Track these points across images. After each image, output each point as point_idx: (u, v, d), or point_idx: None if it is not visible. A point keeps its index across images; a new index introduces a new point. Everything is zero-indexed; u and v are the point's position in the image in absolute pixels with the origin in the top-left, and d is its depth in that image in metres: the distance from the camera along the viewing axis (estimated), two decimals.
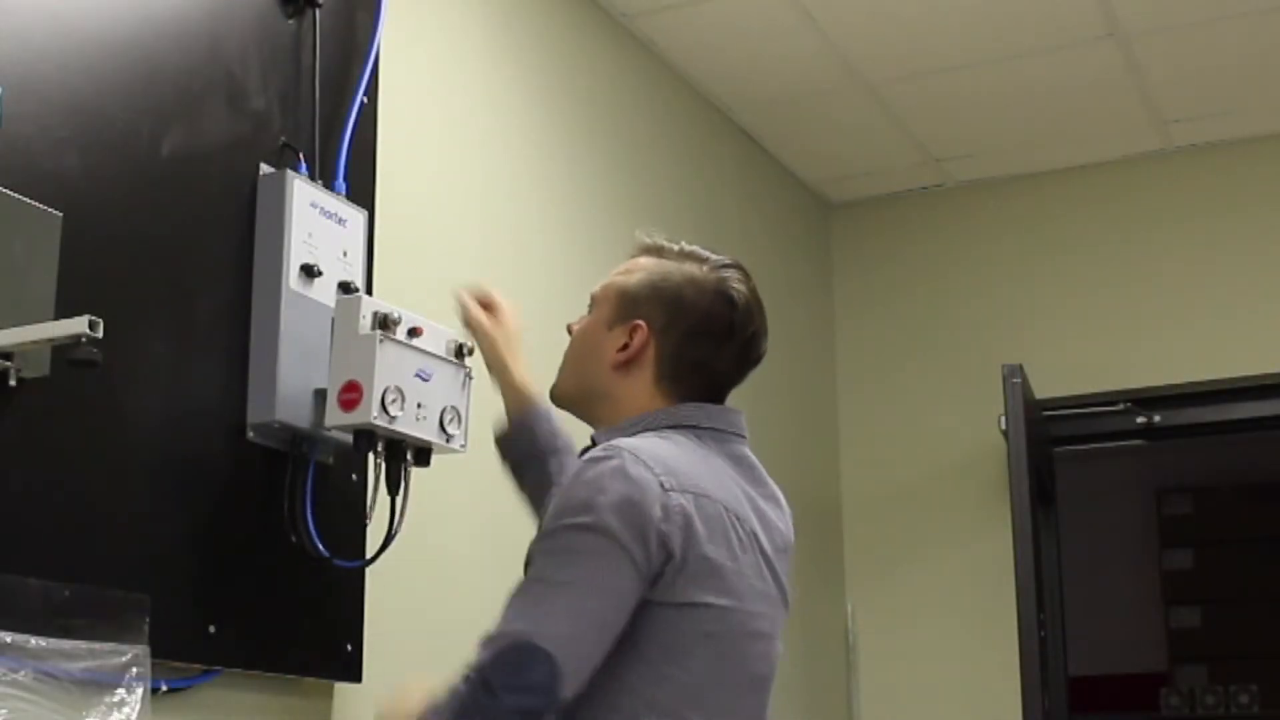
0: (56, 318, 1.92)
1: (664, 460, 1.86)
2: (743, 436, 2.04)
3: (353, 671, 2.47)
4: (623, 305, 2.02)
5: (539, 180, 3.35)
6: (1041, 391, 4.27)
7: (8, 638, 1.82)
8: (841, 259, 4.79)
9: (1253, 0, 3.69)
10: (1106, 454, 5.11)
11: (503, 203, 3.20)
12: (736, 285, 2.01)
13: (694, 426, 1.97)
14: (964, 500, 4.46)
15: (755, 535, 1.93)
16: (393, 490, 2.32)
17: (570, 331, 2.12)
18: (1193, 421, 4.36)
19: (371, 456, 2.30)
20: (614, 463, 1.83)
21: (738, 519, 1.91)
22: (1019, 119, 4.28)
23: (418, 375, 2.28)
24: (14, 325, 1.88)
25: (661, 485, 1.82)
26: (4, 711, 1.78)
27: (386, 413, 2.22)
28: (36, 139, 2.01)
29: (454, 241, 3.01)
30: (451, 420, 2.33)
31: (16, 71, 1.98)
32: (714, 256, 2.05)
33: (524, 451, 2.31)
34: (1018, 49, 3.89)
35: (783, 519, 2.03)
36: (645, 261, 2.07)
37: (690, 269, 2.02)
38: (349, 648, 2.46)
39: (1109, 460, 5.65)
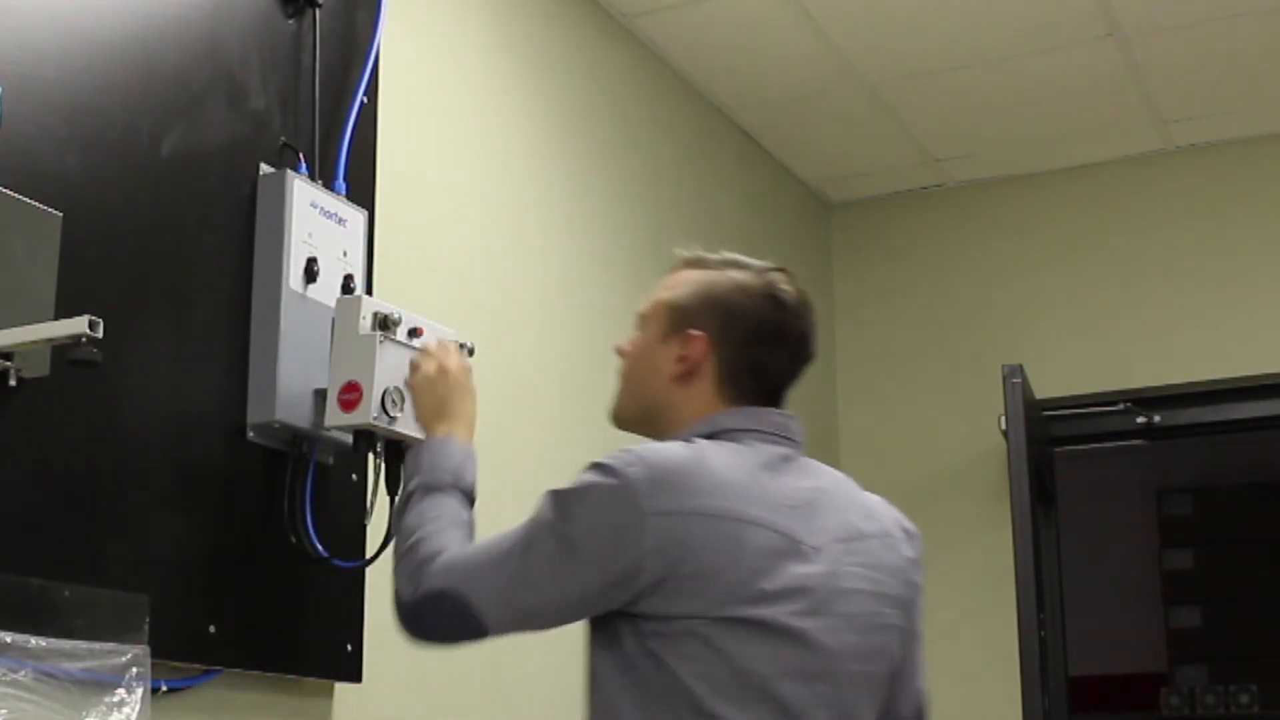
0: (56, 318, 1.92)
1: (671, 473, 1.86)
2: (791, 440, 2.01)
3: (353, 671, 2.47)
4: (675, 318, 2.02)
5: (539, 180, 3.35)
6: (1041, 391, 4.27)
7: (8, 638, 1.82)
8: (841, 259, 4.79)
9: (1252, 0, 3.69)
10: (1106, 454, 5.11)
11: (503, 202, 3.20)
12: (784, 287, 2.02)
13: (731, 431, 1.97)
14: (964, 500, 4.46)
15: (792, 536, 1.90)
16: (392, 490, 2.32)
17: (621, 353, 2.11)
18: (1193, 421, 4.36)
19: (371, 457, 2.30)
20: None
21: (758, 524, 1.88)
22: (1019, 119, 4.28)
23: None
24: (14, 325, 1.88)
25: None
26: (4, 711, 1.78)
27: (386, 413, 2.21)
28: (36, 139, 2.01)
29: (454, 241, 3.01)
30: None
31: (16, 71, 1.98)
32: (756, 263, 2.06)
33: None
34: (1018, 49, 3.89)
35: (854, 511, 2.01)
36: (689, 274, 2.06)
37: (736, 275, 2.03)
38: (349, 648, 2.46)
39: (1109, 460, 5.64)
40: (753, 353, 2.00)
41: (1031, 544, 3.86)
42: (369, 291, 2.49)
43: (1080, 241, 4.53)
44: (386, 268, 2.64)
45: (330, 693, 2.48)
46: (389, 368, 2.23)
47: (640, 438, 2.05)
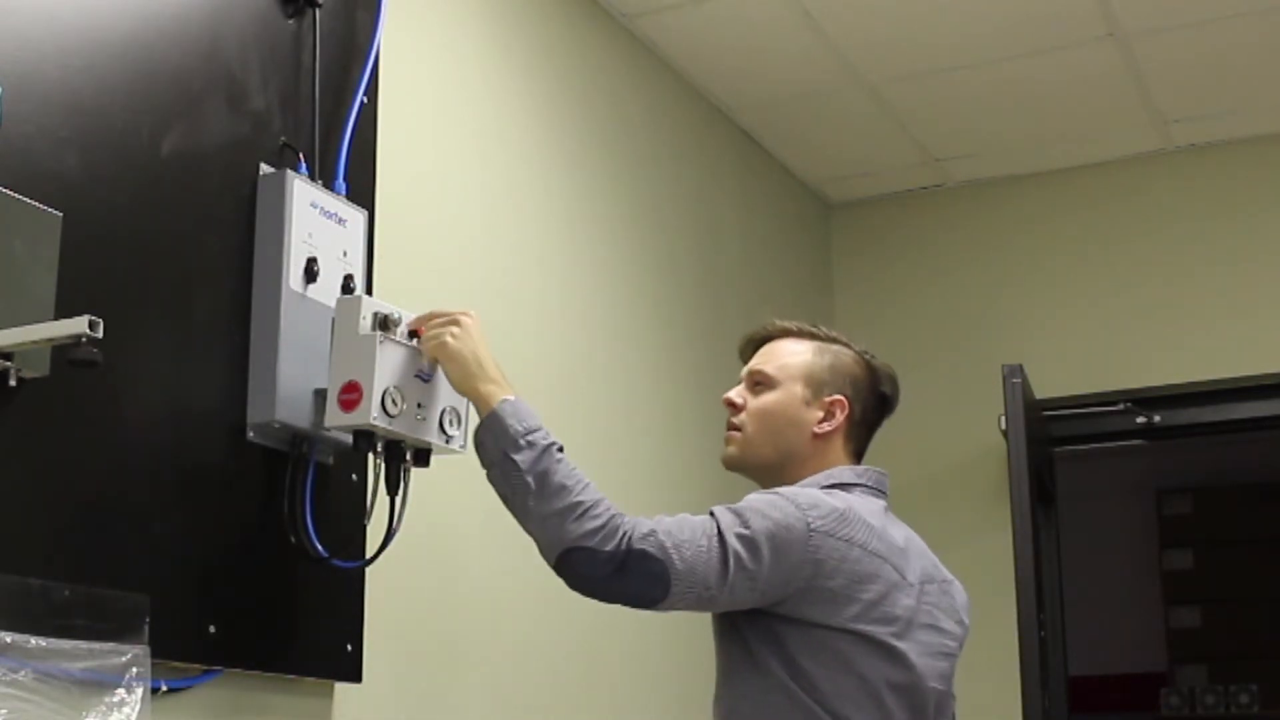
0: (56, 318, 1.92)
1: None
2: (886, 494, 2.38)
3: (353, 671, 2.47)
4: (814, 384, 2.37)
5: (538, 180, 3.35)
6: (1041, 391, 4.27)
7: (8, 638, 1.82)
8: (841, 259, 4.79)
9: (1253, 0, 3.69)
10: (1106, 454, 5.11)
11: (502, 202, 3.20)
12: (875, 360, 2.44)
13: (847, 485, 2.32)
14: (964, 500, 4.46)
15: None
16: (392, 490, 2.32)
17: (733, 404, 2.40)
18: (1193, 421, 4.36)
19: (371, 457, 2.30)
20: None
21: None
22: (1019, 119, 4.28)
23: (418, 376, 2.28)
24: (14, 325, 1.88)
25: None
26: (4, 711, 1.78)
27: (386, 413, 2.21)
28: (36, 139, 2.01)
29: (454, 241, 3.01)
30: (451, 421, 2.33)
31: (16, 71, 1.98)
32: (839, 334, 2.46)
33: None
34: (1018, 49, 3.89)
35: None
36: (800, 344, 2.42)
37: (844, 350, 2.42)
38: (349, 648, 2.46)
39: (1109, 460, 5.64)
40: (870, 416, 2.41)
41: (1031, 544, 3.86)
42: (369, 291, 2.49)
43: (1080, 241, 4.52)
44: (386, 268, 2.64)
45: (330, 693, 2.48)
46: (389, 368, 2.23)
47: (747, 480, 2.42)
